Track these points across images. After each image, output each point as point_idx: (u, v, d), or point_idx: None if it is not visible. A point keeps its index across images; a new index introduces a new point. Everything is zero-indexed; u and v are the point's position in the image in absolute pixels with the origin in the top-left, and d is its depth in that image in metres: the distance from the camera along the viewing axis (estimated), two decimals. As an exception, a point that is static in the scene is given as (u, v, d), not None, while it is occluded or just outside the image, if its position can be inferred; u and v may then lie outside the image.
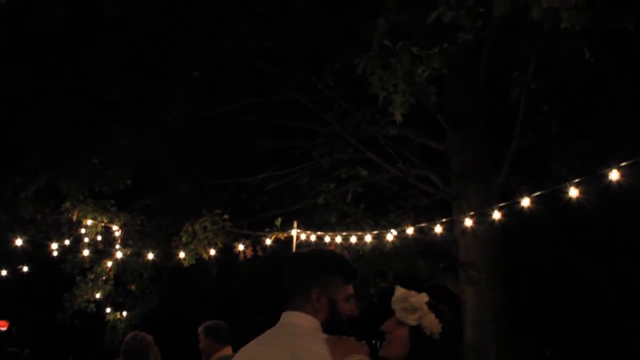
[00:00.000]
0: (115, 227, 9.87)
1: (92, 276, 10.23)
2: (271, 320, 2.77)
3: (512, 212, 6.53)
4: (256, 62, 8.97)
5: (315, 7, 8.55)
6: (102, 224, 9.86)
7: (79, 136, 9.75)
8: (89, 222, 9.85)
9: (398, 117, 6.31)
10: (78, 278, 10.38)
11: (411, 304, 2.69)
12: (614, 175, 5.26)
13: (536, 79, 8.05)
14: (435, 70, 5.97)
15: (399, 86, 6.15)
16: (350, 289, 2.71)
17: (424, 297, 2.73)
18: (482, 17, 5.86)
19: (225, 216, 8.98)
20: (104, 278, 10.25)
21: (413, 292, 2.74)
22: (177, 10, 9.08)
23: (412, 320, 2.67)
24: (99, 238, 9.88)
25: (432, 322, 2.66)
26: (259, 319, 12.54)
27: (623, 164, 5.18)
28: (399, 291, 2.75)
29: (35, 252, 9.87)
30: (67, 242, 9.86)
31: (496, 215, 6.69)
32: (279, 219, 8.70)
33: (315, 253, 2.99)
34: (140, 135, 9.70)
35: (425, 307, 2.69)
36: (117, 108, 9.70)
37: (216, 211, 9.02)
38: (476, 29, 5.95)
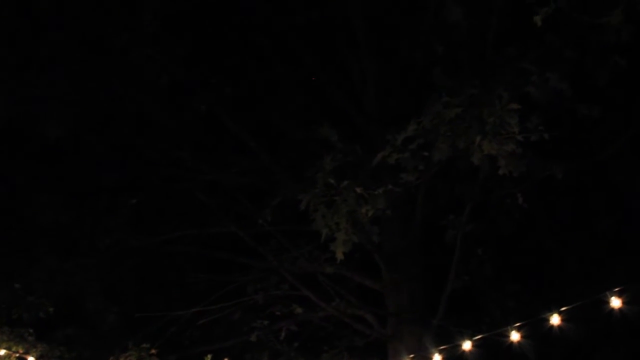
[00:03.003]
0: (31, 359, 9.27)
1: (-1, 415, 9.46)
2: None
3: (453, 355, 6.49)
4: (195, 194, 8.95)
5: (259, 143, 8.68)
6: (17, 355, 9.25)
7: (1, 259, 9.34)
8: (2, 352, 9.26)
9: (340, 256, 6.28)
10: (-18, 418, 9.57)
11: None
12: (555, 319, 5.33)
13: (471, 222, 8.27)
14: (379, 211, 6.05)
15: (341, 224, 6.17)
16: None
17: None
18: (424, 160, 6.06)
19: (153, 351, 8.63)
20: (12, 417, 9.48)
21: None
22: (118, 137, 9.08)
23: None
24: (11, 370, 9.25)
25: None
26: None
27: (563, 308, 5.27)
28: None
29: None
30: (-28, 375, 9.20)
31: (437, 358, 6.62)
32: (209, 356, 8.48)
33: None
34: (68, 261, 9.37)
35: None
36: (45, 231, 9.40)
37: (143, 345, 8.66)
38: (418, 171, 6.12)
